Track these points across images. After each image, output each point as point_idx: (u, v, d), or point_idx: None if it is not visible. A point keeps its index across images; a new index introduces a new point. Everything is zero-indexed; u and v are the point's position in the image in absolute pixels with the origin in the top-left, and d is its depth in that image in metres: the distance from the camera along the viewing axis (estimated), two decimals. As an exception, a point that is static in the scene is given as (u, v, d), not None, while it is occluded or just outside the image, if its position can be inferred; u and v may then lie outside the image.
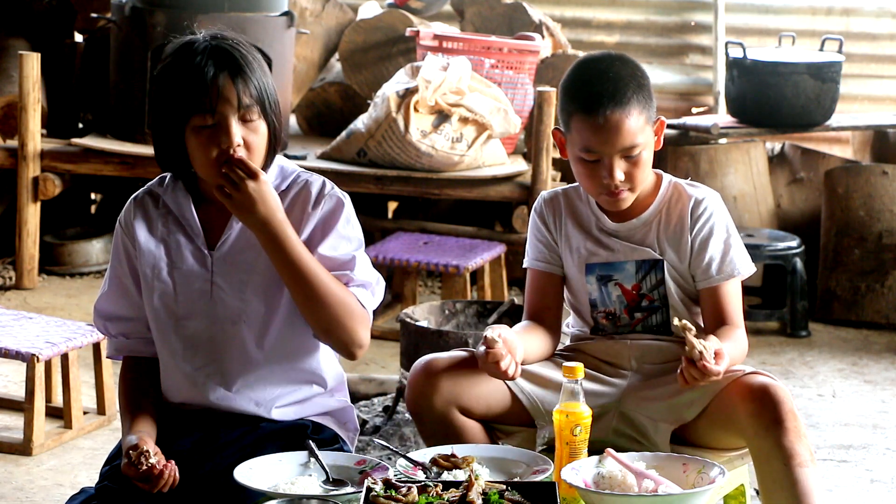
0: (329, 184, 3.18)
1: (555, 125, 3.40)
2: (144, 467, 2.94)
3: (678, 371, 3.15)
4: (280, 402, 3.19)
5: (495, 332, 3.21)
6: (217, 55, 3.02)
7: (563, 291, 3.49)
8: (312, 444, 3.06)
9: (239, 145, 3.01)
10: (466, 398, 3.29)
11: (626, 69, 3.30)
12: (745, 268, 3.40)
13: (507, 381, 3.33)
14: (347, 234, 3.14)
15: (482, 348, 3.22)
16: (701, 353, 3.10)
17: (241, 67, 3.02)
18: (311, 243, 3.11)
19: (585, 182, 3.34)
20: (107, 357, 3.96)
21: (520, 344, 3.27)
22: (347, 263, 3.12)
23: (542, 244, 3.48)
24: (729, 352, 3.21)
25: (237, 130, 3.01)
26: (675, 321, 3.16)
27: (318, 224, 3.13)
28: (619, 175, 3.28)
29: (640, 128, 3.27)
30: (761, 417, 3.15)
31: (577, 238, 3.43)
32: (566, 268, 3.45)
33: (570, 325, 3.54)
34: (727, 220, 3.41)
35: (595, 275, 3.42)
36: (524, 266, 3.53)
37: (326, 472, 2.99)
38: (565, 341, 3.54)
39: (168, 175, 3.20)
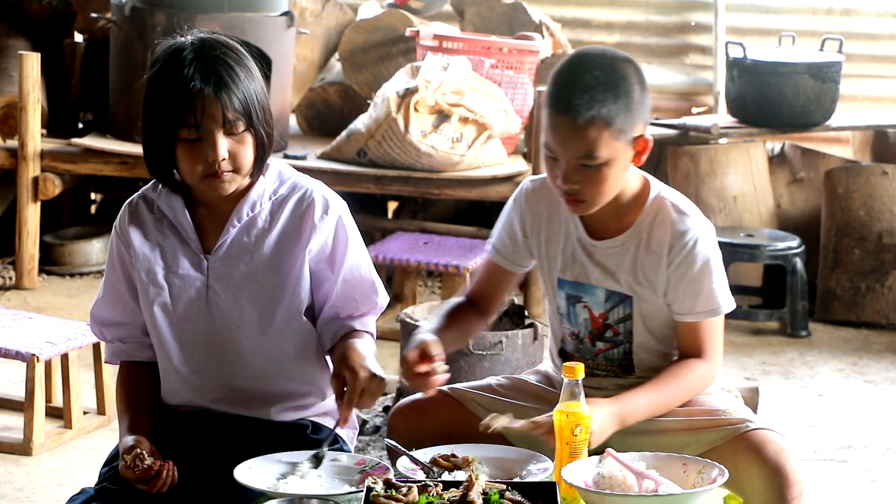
0: (332, 195, 3.19)
1: None
2: (140, 469, 2.94)
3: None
4: (279, 404, 3.19)
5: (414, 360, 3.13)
6: (204, 67, 3.00)
7: (513, 285, 3.38)
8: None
9: (224, 159, 3.02)
10: (438, 436, 3.21)
11: (613, 76, 3.04)
12: (723, 306, 3.18)
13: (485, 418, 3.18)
14: (360, 245, 3.20)
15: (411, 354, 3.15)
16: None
17: (226, 81, 3.00)
18: (325, 255, 3.15)
19: (548, 177, 3.17)
20: (105, 362, 3.97)
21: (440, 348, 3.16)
22: (373, 285, 3.22)
23: (508, 238, 3.32)
24: (651, 399, 3.12)
25: (223, 144, 3.02)
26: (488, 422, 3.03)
27: (335, 236, 3.16)
28: (570, 183, 3.07)
29: (602, 140, 3.03)
30: (766, 494, 3.06)
31: (555, 244, 3.26)
32: (540, 272, 3.31)
33: (549, 349, 3.41)
34: (710, 254, 3.16)
35: (565, 291, 3.26)
36: (486, 249, 3.37)
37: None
38: (547, 365, 3.44)
39: None
